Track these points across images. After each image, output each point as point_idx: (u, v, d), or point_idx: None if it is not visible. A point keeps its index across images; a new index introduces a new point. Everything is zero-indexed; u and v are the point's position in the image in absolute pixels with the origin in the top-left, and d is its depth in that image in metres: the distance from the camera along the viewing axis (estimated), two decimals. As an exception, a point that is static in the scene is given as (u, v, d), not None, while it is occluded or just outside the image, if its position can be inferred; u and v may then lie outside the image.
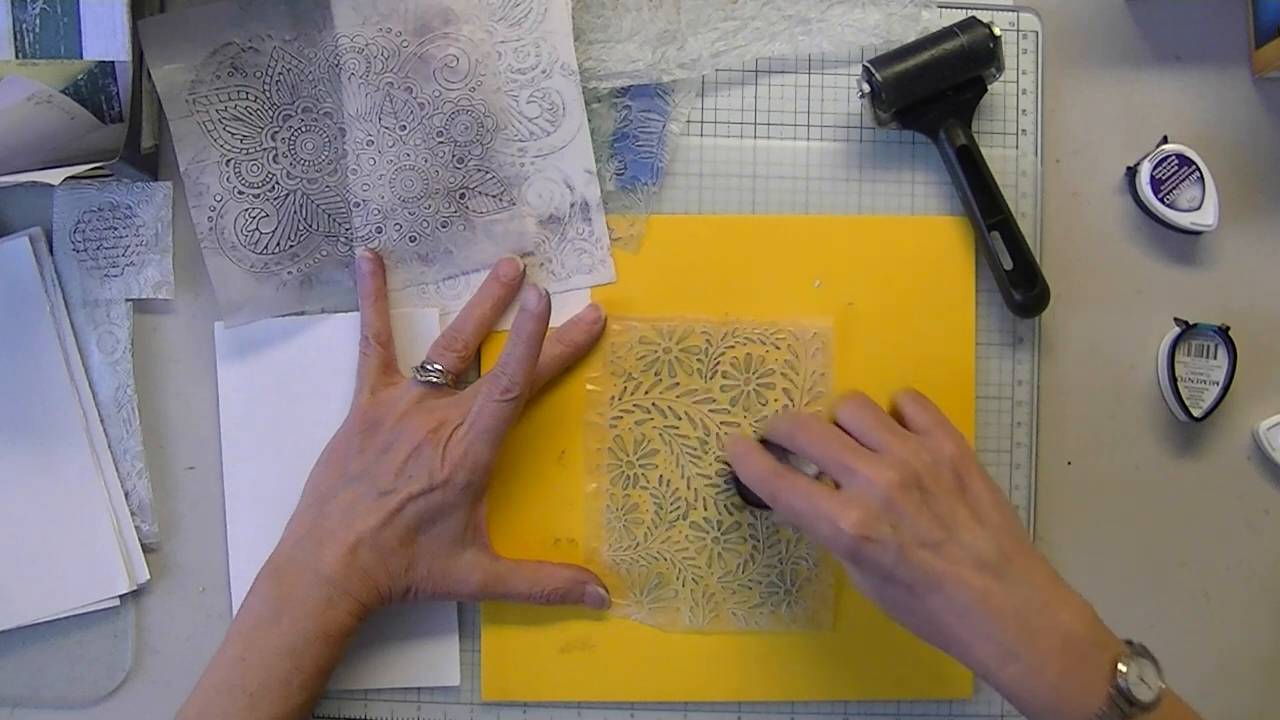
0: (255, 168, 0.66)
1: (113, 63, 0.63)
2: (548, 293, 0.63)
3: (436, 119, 0.67)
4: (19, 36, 0.64)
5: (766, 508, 0.62)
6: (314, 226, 0.67)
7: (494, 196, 0.67)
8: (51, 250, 0.67)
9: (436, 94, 0.66)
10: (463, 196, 0.67)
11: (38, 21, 0.64)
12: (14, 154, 0.61)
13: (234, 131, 0.66)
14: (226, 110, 0.66)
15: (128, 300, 0.67)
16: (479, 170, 0.67)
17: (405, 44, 0.66)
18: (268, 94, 0.66)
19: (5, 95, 0.57)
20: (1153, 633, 0.70)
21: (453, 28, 0.66)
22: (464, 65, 0.66)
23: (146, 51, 0.65)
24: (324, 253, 0.67)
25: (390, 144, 0.66)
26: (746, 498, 0.66)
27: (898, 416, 0.62)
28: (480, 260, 0.68)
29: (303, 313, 0.67)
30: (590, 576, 0.66)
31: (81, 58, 0.63)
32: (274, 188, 0.66)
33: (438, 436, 0.62)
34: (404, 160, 0.66)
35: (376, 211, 0.67)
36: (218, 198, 0.66)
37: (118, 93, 0.63)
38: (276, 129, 0.66)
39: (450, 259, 0.67)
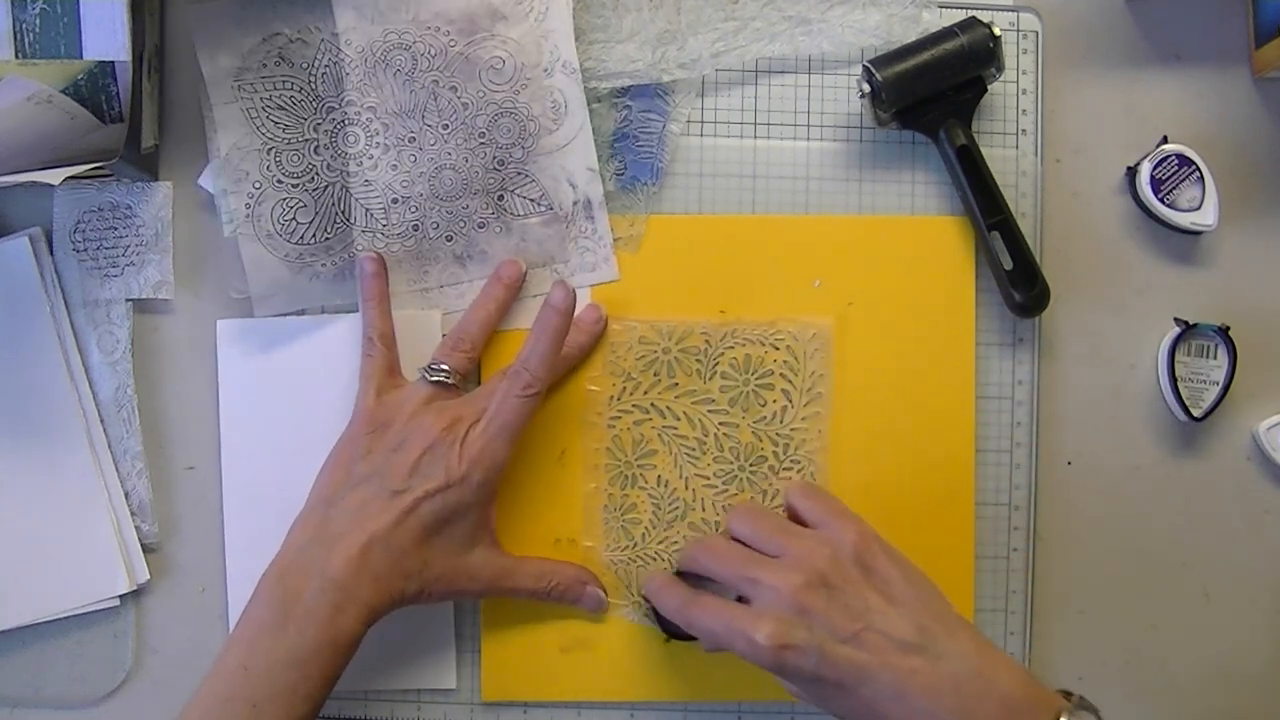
0: (296, 158, 0.67)
1: (113, 63, 0.63)
2: (573, 289, 0.63)
3: (480, 120, 0.67)
4: (19, 36, 0.64)
5: (692, 638, 0.61)
6: (352, 220, 0.67)
7: (533, 200, 0.67)
8: (51, 250, 0.67)
9: (480, 95, 0.67)
10: (501, 198, 0.67)
11: (38, 21, 0.64)
12: (14, 154, 0.61)
13: (277, 121, 0.66)
14: (271, 99, 0.66)
15: (128, 300, 0.67)
16: (519, 174, 0.67)
17: (453, 43, 0.66)
18: (313, 85, 0.67)
19: (5, 95, 0.57)
20: (1153, 633, 0.70)
21: (501, 29, 0.67)
22: (509, 68, 0.67)
23: (195, 36, 0.66)
24: (360, 247, 0.67)
25: (432, 142, 0.67)
26: (672, 633, 0.66)
27: (791, 514, 0.61)
28: None
29: (302, 312, 0.68)
30: (592, 578, 0.66)
31: (81, 58, 0.63)
32: (313, 179, 0.67)
33: (453, 434, 0.61)
34: (445, 159, 0.67)
35: (414, 209, 0.67)
36: (257, 185, 0.66)
37: (118, 93, 0.63)
38: (319, 121, 0.67)
39: (486, 260, 0.67)
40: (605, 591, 0.67)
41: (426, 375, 0.64)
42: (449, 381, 0.64)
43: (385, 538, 0.60)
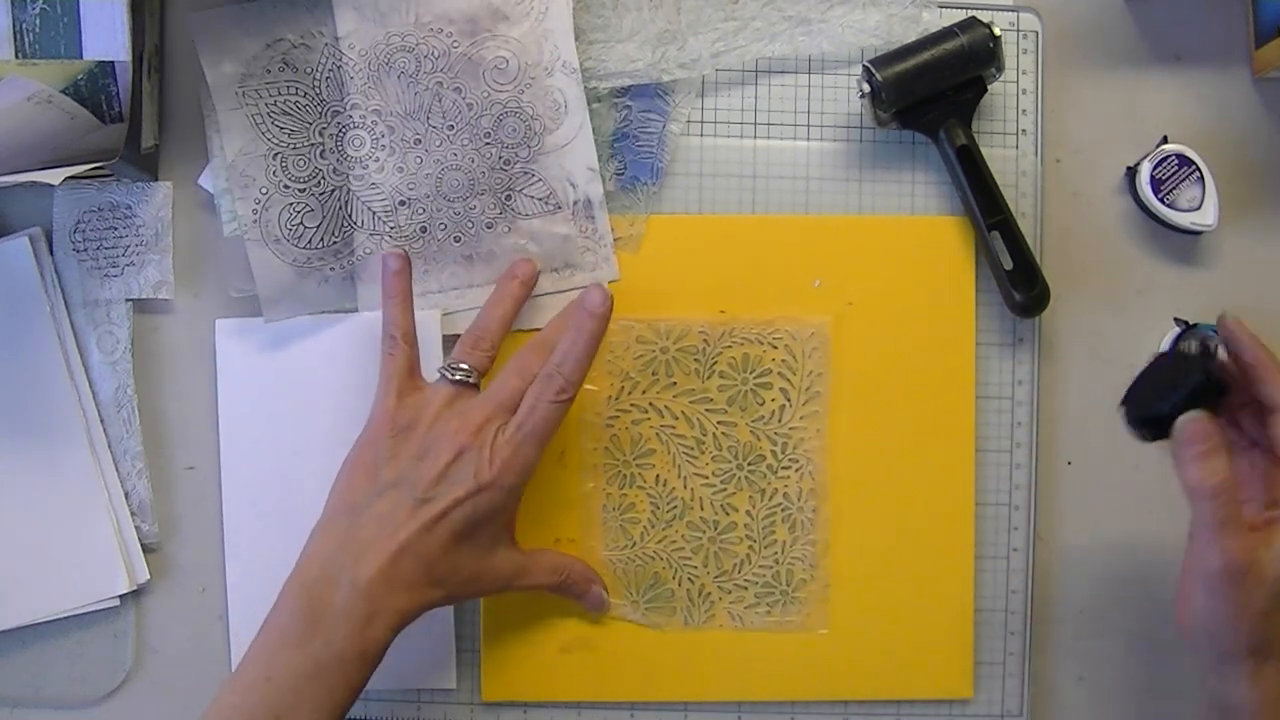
0: (302, 162, 0.67)
1: (113, 63, 0.63)
2: (610, 292, 0.62)
3: (485, 120, 0.67)
4: (19, 36, 0.64)
5: (1154, 437, 0.58)
6: (359, 224, 0.67)
7: (540, 200, 0.67)
8: (51, 250, 0.67)
9: (485, 95, 0.67)
10: (508, 198, 0.67)
11: (38, 21, 0.64)
12: (14, 154, 0.61)
13: (282, 126, 0.66)
14: (276, 105, 0.66)
15: (128, 300, 0.67)
16: (525, 174, 0.67)
17: (455, 44, 0.66)
18: (317, 90, 0.67)
19: (5, 95, 0.57)
20: (1152, 634, 0.70)
21: (503, 29, 0.67)
22: (514, 67, 0.67)
23: (198, 43, 0.66)
24: (367, 251, 0.67)
25: (438, 143, 0.67)
26: (1145, 419, 0.59)
27: None
28: None
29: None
30: (597, 577, 0.67)
31: (81, 58, 0.63)
32: (320, 183, 0.67)
33: (480, 438, 0.60)
34: (450, 160, 0.67)
35: (422, 211, 0.67)
36: (264, 190, 0.66)
37: (118, 93, 0.63)
38: (324, 125, 0.67)
39: (493, 260, 0.67)
40: (607, 592, 0.67)
41: (448, 375, 0.62)
42: (470, 381, 0.63)
43: (415, 546, 0.58)
